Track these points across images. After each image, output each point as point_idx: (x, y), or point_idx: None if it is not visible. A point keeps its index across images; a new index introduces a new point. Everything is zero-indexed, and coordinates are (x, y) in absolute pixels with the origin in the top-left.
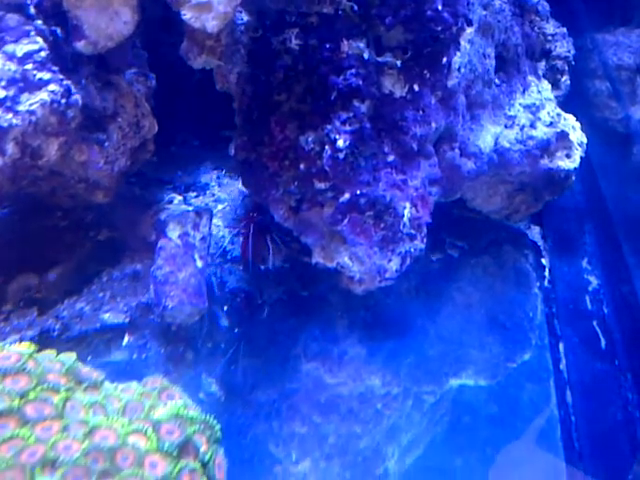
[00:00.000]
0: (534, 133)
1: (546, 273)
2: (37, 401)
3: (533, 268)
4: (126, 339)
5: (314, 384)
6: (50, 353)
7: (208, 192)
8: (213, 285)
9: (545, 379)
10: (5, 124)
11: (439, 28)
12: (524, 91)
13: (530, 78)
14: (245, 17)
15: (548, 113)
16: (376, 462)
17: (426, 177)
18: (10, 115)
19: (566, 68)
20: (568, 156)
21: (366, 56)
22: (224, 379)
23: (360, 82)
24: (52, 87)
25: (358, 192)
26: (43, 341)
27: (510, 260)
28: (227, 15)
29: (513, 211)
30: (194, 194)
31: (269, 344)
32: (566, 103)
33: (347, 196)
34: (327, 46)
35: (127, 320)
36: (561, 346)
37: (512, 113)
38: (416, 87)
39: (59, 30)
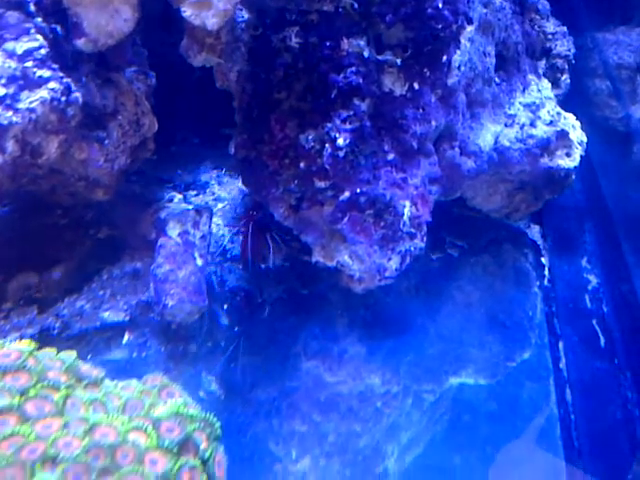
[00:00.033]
0: (534, 132)
1: (546, 272)
2: (37, 398)
3: (533, 267)
4: (126, 337)
5: (314, 382)
6: (50, 351)
7: (208, 190)
8: (213, 283)
9: (545, 378)
10: (5, 122)
11: (439, 26)
12: (524, 90)
13: (530, 77)
14: (245, 15)
15: (548, 112)
16: (376, 460)
17: (426, 176)
18: (10, 113)
19: (566, 67)
20: (568, 155)
21: (366, 54)
22: (224, 377)
23: (360, 80)
24: (52, 85)
25: (358, 190)
26: (43, 339)
27: (510, 259)
28: (227, 12)
29: (513, 210)
30: (194, 192)
31: (269, 342)
32: (566, 102)
33: (347, 194)
34: (327, 44)
35: (127, 318)
36: (561, 345)
37: (512, 112)
38: (416, 85)
39: (59, 28)
